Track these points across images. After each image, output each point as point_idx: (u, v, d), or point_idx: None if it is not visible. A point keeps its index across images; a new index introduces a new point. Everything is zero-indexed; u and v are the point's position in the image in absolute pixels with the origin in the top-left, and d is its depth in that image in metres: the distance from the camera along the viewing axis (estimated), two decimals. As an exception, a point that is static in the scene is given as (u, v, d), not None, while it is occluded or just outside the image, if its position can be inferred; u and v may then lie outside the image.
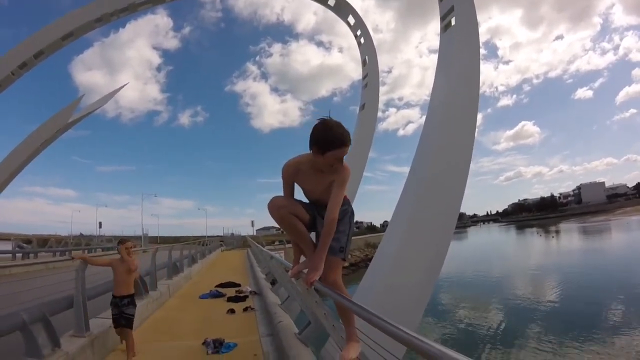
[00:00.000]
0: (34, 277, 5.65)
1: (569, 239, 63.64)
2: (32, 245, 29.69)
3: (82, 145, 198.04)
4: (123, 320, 4.76)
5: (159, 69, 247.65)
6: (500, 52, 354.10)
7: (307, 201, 2.99)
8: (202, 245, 27.10)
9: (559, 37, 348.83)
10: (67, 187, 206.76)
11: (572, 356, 12.84)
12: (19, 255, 22.65)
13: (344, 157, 2.66)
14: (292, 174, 2.87)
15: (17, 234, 50.60)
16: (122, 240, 5.16)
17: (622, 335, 14.43)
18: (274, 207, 2.84)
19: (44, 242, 36.64)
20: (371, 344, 2.57)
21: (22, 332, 3.77)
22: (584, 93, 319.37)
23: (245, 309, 8.03)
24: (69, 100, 27.83)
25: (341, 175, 2.72)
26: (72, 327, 4.70)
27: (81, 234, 67.37)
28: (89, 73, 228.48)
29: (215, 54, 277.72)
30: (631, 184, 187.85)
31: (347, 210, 2.94)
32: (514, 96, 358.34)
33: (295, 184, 2.93)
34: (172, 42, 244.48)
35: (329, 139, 2.53)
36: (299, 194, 3.00)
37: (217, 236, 67.50)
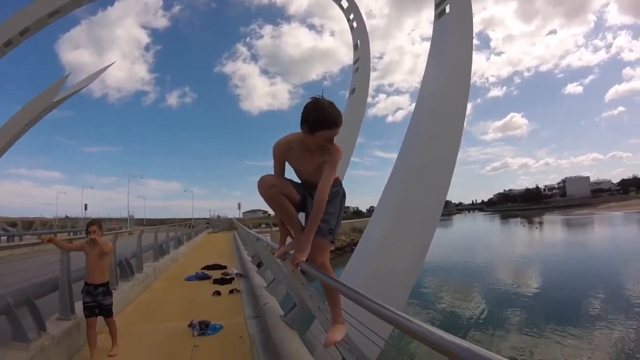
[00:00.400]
0: (18, 259, 5.59)
1: (552, 231, 64.63)
2: (17, 228, 29.37)
3: (67, 125, 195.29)
4: (103, 312, 4.56)
5: (147, 48, 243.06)
6: (492, 44, 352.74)
7: (299, 181, 2.98)
8: (188, 227, 27.02)
9: (552, 32, 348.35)
10: (53, 168, 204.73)
11: (552, 343, 13.14)
12: (3, 238, 22.40)
13: (335, 139, 2.66)
14: (282, 152, 2.85)
15: (2, 217, 49.93)
16: (91, 222, 5.00)
17: (601, 323, 14.79)
18: (264, 186, 2.81)
19: (29, 224, 36.23)
20: (357, 325, 2.61)
21: (7, 315, 3.75)
22: (574, 88, 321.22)
23: (231, 291, 8.07)
24: (55, 79, 27.20)
25: (333, 156, 2.70)
26: (57, 310, 4.67)
27: (67, 217, 66.96)
28: (76, 52, 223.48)
29: (205, 34, 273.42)
30: (616, 180, 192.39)
31: (337, 192, 2.93)
32: (505, 88, 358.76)
33: (287, 163, 2.90)
34: (161, 21, 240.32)
35: (320, 118, 2.51)
36: (291, 174, 2.98)
37: (204, 218, 67.34)
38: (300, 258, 2.70)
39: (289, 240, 3.10)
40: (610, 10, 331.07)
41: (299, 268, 2.87)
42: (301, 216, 2.97)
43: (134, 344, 4.91)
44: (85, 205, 66.85)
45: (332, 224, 2.86)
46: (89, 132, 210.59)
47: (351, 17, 27.00)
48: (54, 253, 5.02)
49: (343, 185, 3.01)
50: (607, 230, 59.40)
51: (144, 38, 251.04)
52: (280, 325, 4.35)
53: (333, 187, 2.84)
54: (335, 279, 2.58)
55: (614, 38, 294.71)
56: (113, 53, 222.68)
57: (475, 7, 11.98)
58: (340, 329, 2.83)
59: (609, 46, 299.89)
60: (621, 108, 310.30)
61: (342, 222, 3.04)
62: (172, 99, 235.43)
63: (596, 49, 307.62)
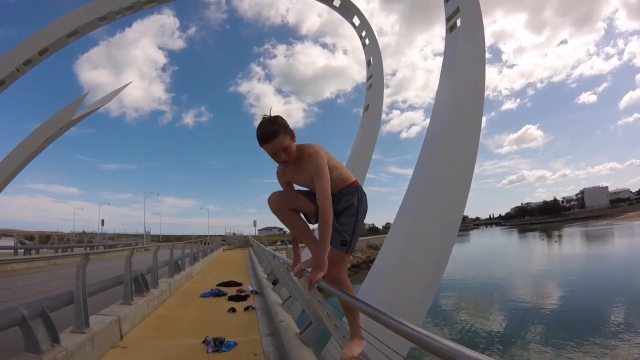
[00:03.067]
0: (34, 273, 5.64)
1: (572, 244, 63.27)
2: (34, 242, 29.76)
3: (85, 143, 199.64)
4: None
5: (164, 68, 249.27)
6: (504, 56, 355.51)
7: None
8: (204, 244, 27.08)
9: (563, 42, 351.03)
10: (70, 184, 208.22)
11: (574, 358, 12.79)
12: (20, 251, 22.71)
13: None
14: (281, 175, 2.88)
15: (19, 230, 50.71)
16: None
17: (624, 339, 14.35)
18: (272, 202, 2.84)
19: (46, 239, 36.74)
20: (374, 342, 2.54)
21: (21, 327, 3.74)
22: (587, 97, 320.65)
23: (246, 308, 8.00)
24: (74, 98, 27.76)
25: (312, 164, 2.63)
26: (72, 323, 4.66)
27: (84, 232, 67.77)
28: (94, 72, 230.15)
29: (220, 54, 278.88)
30: (634, 189, 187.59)
31: (350, 202, 2.82)
32: (518, 100, 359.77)
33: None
34: (177, 43, 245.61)
35: (257, 137, 2.59)
36: None
37: (219, 235, 67.64)
38: (317, 277, 2.61)
39: (304, 256, 3.06)
40: (619, 16, 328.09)
41: (315, 286, 2.79)
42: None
43: (147, 358, 4.87)
44: (102, 220, 67.55)
45: (346, 236, 2.76)
46: (106, 150, 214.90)
47: (363, 34, 27.22)
48: (69, 267, 5.04)
49: (363, 191, 2.91)
50: (628, 241, 57.94)
51: (161, 58, 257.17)
52: (296, 342, 4.28)
53: (346, 194, 2.80)
54: (353, 295, 2.52)
55: (626, 44, 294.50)
56: (130, 73, 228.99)
57: (485, 20, 12.00)
58: (359, 344, 2.74)
59: (620, 53, 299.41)
60: (637, 115, 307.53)
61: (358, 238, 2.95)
62: (189, 118, 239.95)
63: (608, 57, 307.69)
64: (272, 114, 2.63)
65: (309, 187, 2.84)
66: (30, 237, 37.41)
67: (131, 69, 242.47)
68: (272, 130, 2.53)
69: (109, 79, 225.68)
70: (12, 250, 22.77)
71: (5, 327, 3.57)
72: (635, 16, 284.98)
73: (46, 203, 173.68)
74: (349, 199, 2.82)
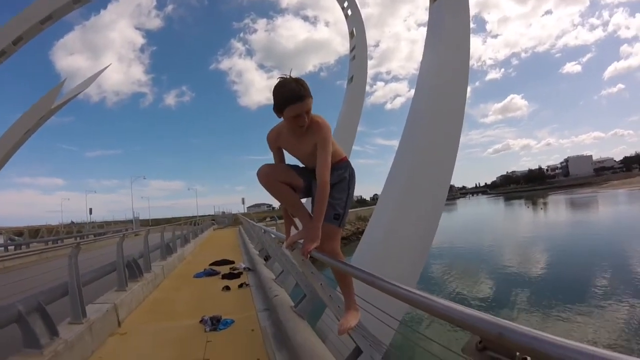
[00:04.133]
0: (27, 268, 5.62)
1: (557, 211, 64.33)
2: (23, 237, 29.46)
3: (67, 131, 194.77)
4: None
5: (142, 49, 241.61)
6: (488, 26, 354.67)
7: (303, 166, 2.93)
8: (193, 225, 27.05)
9: (548, 12, 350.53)
10: (55, 175, 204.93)
11: (559, 320, 13.20)
12: (11, 247, 22.46)
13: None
14: (273, 140, 2.82)
15: (7, 227, 50.02)
16: None
17: (608, 301, 14.83)
18: (262, 175, 2.79)
19: (35, 232, 36.34)
20: (370, 309, 2.60)
21: (19, 323, 3.74)
22: (572, 67, 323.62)
23: (240, 286, 8.09)
24: (52, 86, 26.95)
25: (320, 134, 2.61)
26: (69, 315, 4.68)
27: (72, 222, 67.21)
28: (71, 58, 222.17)
29: (199, 31, 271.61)
30: (618, 158, 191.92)
31: (343, 175, 2.84)
32: (502, 70, 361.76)
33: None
34: (155, 22, 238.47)
35: (281, 97, 2.48)
36: (296, 161, 2.94)
37: (209, 215, 67.41)
38: (311, 247, 2.61)
39: (294, 230, 3.08)
40: None
41: (309, 257, 2.80)
42: (308, 203, 2.95)
43: (147, 342, 4.93)
44: (90, 209, 67.02)
45: (339, 209, 2.79)
46: (88, 137, 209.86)
47: (345, 5, 26.87)
48: (61, 259, 5.02)
49: (352, 166, 2.92)
50: (612, 208, 58.93)
51: (139, 39, 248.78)
52: (292, 316, 4.37)
53: (338, 169, 2.80)
54: (347, 263, 2.55)
55: (611, 16, 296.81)
56: (108, 56, 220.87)
57: (469, -11, 11.88)
58: (355, 315, 2.79)
59: (605, 24, 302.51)
60: (620, 85, 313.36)
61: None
62: (170, 99, 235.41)
63: (593, 27, 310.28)
64: (293, 76, 2.53)
65: (303, 157, 2.83)
66: (19, 232, 37.00)
67: (109, 52, 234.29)
68: (303, 89, 2.46)
69: (86, 64, 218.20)
70: (2, 248, 22.56)
71: (3, 325, 3.57)
72: None
73: (33, 197, 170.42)
74: (341, 173, 2.83)
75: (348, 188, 2.87)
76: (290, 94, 2.44)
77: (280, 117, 2.58)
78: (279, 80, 2.52)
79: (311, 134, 2.63)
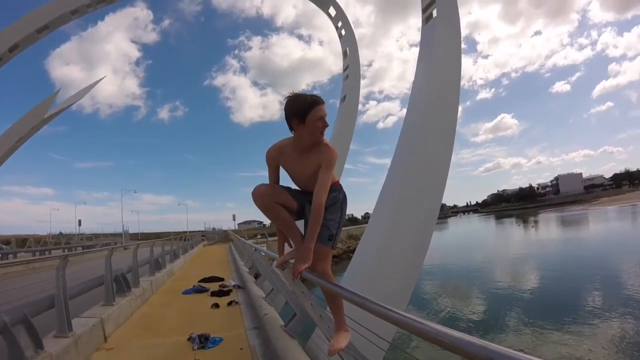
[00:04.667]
0: (13, 278, 5.53)
1: (548, 229, 64.73)
2: (10, 246, 29.07)
3: (59, 141, 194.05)
4: None
5: (137, 63, 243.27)
6: (479, 47, 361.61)
7: (296, 188, 2.95)
8: (183, 240, 26.82)
9: (537, 33, 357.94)
10: (45, 185, 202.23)
11: (552, 339, 13.17)
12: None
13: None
14: (275, 157, 2.85)
15: (-5, 236, 49.31)
16: None
17: (600, 318, 14.85)
18: (257, 195, 2.79)
19: (22, 242, 35.91)
20: (359, 329, 2.58)
21: (3, 335, 3.66)
22: (561, 87, 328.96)
23: (230, 303, 7.99)
24: (46, 96, 26.91)
25: (326, 156, 2.67)
26: (55, 328, 4.59)
27: (61, 233, 66.32)
28: (66, 68, 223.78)
29: (195, 47, 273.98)
30: (608, 175, 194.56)
31: (337, 198, 2.88)
32: (493, 89, 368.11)
33: (284, 170, 2.89)
34: (151, 36, 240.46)
35: (304, 103, 2.58)
36: (288, 182, 2.95)
37: (199, 231, 66.93)
38: (302, 267, 2.62)
39: (287, 248, 3.07)
40: (593, 8, 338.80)
41: (299, 277, 2.81)
42: (300, 224, 2.95)
43: (134, 358, 4.85)
44: (79, 221, 65.96)
45: (333, 230, 2.81)
46: (80, 148, 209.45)
47: (339, 24, 27.21)
48: (48, 270, 4.95)
49: (343, 189, 2.98)
50: (602, 225, 59.42)
51: (135, 52, 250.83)
52: (281, 335, 4.31)
53: (332, 191, 2.81)
54: (337, 284, 2.54)
55: (599, 35, 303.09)
56: (103, 68, 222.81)
57: (461, 11, 12.15)
58: (345, 336, 2.78)
59: (594, 43, 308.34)
60: (609, 103, 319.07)
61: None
62: (164, 113, 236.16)
63: (581, 47, 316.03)
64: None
65: (302, 177, 2.86)
66: (6, 241, 36.57)
67: (104, 64, 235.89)
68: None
69: (81, 74, 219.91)
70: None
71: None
72: (609, 8, 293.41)
73: (21, 205, 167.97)
74: (335, 195, 2.86)
75: (341, 209, 2.91)
76: (314, 98, 2.59)
77: (295, 129, 2.64)
78: (289, 96, 2.65)
79: (317, 154, 2.69)
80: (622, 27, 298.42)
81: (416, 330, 1.33)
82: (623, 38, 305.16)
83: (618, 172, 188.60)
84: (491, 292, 20.98)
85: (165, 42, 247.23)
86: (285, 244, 3.06)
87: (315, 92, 2.85)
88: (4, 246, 29.75)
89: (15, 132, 25.11)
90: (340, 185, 2.97)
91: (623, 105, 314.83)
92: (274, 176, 2.91)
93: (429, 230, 9.99)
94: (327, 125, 2.64)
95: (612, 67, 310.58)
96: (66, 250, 28.74)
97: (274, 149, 2.83)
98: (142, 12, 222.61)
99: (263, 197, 2.80)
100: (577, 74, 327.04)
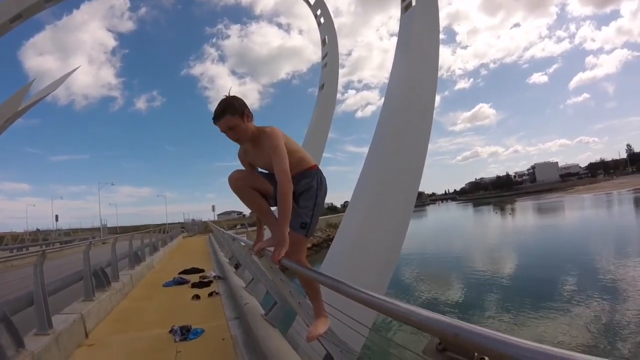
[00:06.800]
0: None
1: (525, 216, 65.49)
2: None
3: (33, 134, 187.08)
4: None
5: (113, 52, 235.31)
6: (458, 37, 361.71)
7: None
8: (163, 232, 26.59)
9: (517, 25, 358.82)
10: (20, 180, 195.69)
11: (529, 322, 13.54)
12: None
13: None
14: (243, 156, 2.93)
15: (-31, 235, 47.94)
16: None
17: (576, 300, 15.32)
18: (232, 180, 2.87)
19: (-1, 240, 35.06)
20: (339, 316, 2.63)
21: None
22: (539, 78, 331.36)
23: (210, 294, 8.03)
24: (19, 87, 26.05)
25: (270, 143, 2.67)
26: (35, 325, 4.55)
27: (37, 230, 64.94)
28: (40, 58, 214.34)
29: (172, 35, 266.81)
30: (583, 164, 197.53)
31: (310, 184, 2.86)
32: (471, 79, 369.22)
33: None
34: (127, 24, 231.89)
35: (241, 99, 2.73)
36: None
37: (178, 223, 66.41)
38: (280, 253, 2.61)
39: (267, 236, 3.10)
40: (572, 1, 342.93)
41: (279, 264, 2.83)
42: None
43: (116, 353, 4.84)
44: (57, 216, 64.62)
45: (306, 218, 2.81)
46: (56, 141, 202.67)
47: (318, 12, 27.16)
48: (27, 267, 4.89)
49: (323, 174, 2.98)
50: (578, 213, 60.44)
51: (111, 41, 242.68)
52: (262, 324, 4.38)
53: (305, 177, 2.84)
54: (313, 269, 2.56)
55: (577, 29, 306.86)
56: (79, 58, 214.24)
57: (440, 2, 12.20)
58: (324, 322, 2.82)
59: (572, 36, 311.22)
60: (586, 95, 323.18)
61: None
62: (141, 103, 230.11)
63: (559, 40, 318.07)
64: (231, 94, 2.71)
65: (268, 169, 2.87)
66: (-18, 240, 35.65)
67: (79, 53, 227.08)
68: (219, 110, 2.64)
69: (56, 65, 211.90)
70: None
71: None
72: (588, 2, 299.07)
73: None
74: (308, 181, 2.86)
75: (316, 196, 2.88)
76: (213, 114, 2.68)
77: (244, 122, 2.71)
78: (226, 97, 2.73)
79: (264, 145, 2.72)
80: (601, 21, 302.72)
81: (387, 310, 1.37)
82: (601, 32, 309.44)
83: (594, 161, 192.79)
84: (469, 279, 21.32)
85: (142, 31, 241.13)
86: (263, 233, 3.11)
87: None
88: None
89: (-12, 127, 24.33)
90: (318, 169, 2.96)
91: (599, 96, 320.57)
92: (249, 170, 2.97)
93: (406, 217, 10.12)
94: (233, 137, 2.73)
95: (590, 59, 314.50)
96: (44, 246, 28.23)
97: (240, 150, 2.92)
98: (118, 0, 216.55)
99: (237, 181, 2.86)
100: (555, 66, 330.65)
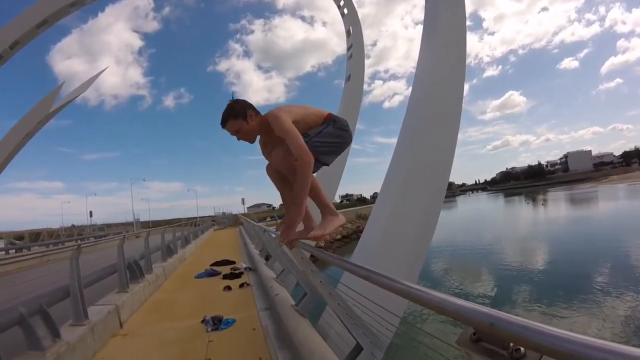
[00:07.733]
0: (29, 271, 5.64)
1: (558, 207, 63.56)
2: (24, 241, 29.44)
3: (65, 135, 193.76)
4: None
5: (140, 52, 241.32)
6: (485, 24, 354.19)
7: None
8: (194, 226, 27.05)
9: (544, 9, 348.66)
10: (54, 179, 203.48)
11: (561, 315, 13.22)
12: (12, 252, 22.48)
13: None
14: (263, 150, 3.09)
15: (7, 231, 49.85)
16: None
17: (611, 295, 14.80)
18: (267, 171, 3.07)
19: (36, 236, 36.32)
20: (371, 306, 2.61)
21: (21, 326, 3.75)
22: (569, 63, 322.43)
23: (242, 285, 8.12)
24: (50, 90, 26.85)
25: (275, 127, 2.67)
26: (71, 316, 4.70)
27: (73, 225, 66.87)
28: (69, 61, 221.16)
29: (197, 33, 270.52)
30: (617, 153, 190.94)
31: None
32: (500, 67, 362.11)
33: None
34: (152, 24, 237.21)
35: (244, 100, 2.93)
36: None
37: (209, 216, 67.34)
38: (287, 235, 2.80)
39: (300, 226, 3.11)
40: None
41: (290, 246, 3.02)
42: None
43: (149, 343, 4.95)
44: (91, 212, 66.30)
45: (312, 133, 2.83)
46: (87, 140, 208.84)
47: (341, 3, 26.86)
48: (62, 262, 5.04)
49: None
50: (613, 203, 58.35)
51: (137, 42, 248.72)
52: (293, 314, 4.39)
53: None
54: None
55: (607, 11, 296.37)
56: (106, 59, 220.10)
57: (465, -13, 11.84)
58: (333, 219, 2.98)
59: (602, 19, 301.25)
60: (619, 80, 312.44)
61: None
62: (169, 101, 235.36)
63: (589, 23, 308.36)
64: (235, 98, 2.90)
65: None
66: (20, 236, 37.01)
67: (106, 55, 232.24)
68: (223, 116, 2.81)
69: (84, 67, 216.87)
70: (3, 252, 22.60)
71: (6, 327, 3.57)
72: None
73: (32, 201, 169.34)
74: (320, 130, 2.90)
75: (324, 128, 2.90)
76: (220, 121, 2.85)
77: (254, 120, 2.86)
78: (232, 101, 2.91)
79: (270, 131, 2.75)
80: (631, 3, 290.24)
81: (419, 299, 1.34)
82: (631, 14, 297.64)
83: (628, 149, 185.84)
84: (500, 271, 20.89)
85: (167, 30, 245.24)
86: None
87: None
88: (17, 241, 30.10)
89: (22, 128, 25.11)
90: (330, 119, 2.98)
91: (632, 81, 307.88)
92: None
93: (436, 208, 9.97)
94: (242, 139, 2.90)
95: (621, 43, 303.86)
96: (79, 241, 29.15)
97: (260, 144, 3.06)
98: (142, 1, 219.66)
99: (268, 166, 3.09)
100: (585, 51, 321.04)
